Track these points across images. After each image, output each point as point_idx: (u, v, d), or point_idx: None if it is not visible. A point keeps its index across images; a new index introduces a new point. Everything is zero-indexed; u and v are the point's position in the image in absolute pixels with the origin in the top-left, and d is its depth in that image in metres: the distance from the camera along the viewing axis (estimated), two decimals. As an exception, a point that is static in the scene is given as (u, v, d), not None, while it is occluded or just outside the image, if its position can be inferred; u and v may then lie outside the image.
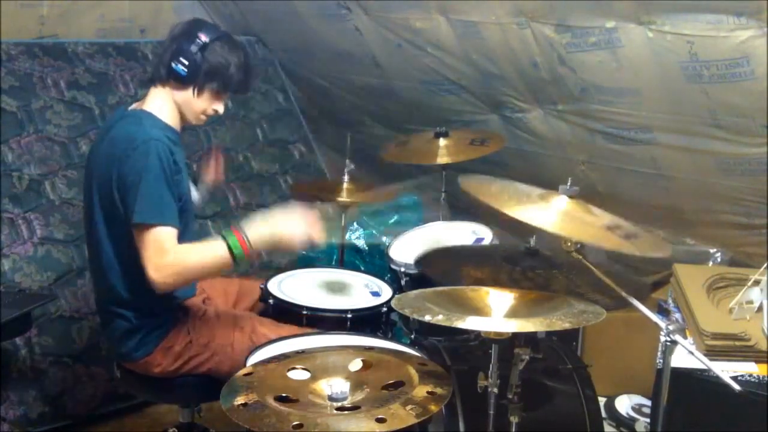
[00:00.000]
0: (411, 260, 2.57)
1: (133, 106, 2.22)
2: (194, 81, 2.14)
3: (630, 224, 1.91)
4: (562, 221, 1.83)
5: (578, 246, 1.85)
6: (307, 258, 3.34)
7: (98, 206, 2.14)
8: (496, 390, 1.86)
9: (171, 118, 2.19)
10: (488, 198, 1.87)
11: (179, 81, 2.14)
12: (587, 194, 1.95)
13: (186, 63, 2.11)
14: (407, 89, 3.55)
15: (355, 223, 3.72)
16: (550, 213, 1.85)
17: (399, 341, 2.15)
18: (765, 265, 2.23)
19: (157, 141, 2.06)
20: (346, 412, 1.53)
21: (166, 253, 2.02)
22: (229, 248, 2.03)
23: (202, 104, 2.18)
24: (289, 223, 2.09)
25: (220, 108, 2.22)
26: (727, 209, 2.92)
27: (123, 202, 2.06)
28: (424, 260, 2.28)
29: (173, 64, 2.12)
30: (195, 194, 2.46)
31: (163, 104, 2.18)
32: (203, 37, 2.12)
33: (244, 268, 2.14)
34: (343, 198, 2.97)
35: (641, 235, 1.88)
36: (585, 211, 1.89)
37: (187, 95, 2.16)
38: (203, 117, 2.22)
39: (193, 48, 2.11)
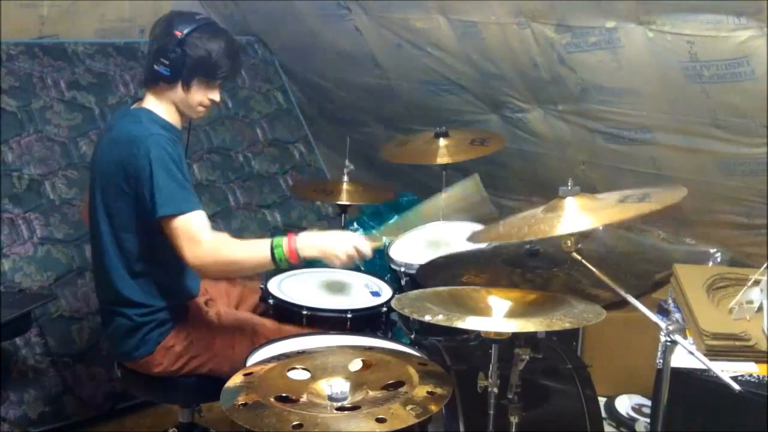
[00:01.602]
0: (411, 260, 2.57)
1: (134, 105, 2.23)
2: (179, 78, 2.13)
3: (634, 190, 1.92)
4: (581, 218, 1.82)
5: (578, 246, 1.85)
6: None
7: (101, 206, 2.15)
8: (496, 390, 1.86)
9: (170, 116, 2.19)
10: (504, 237, 1.89)
11: (166, 81, 2.14)
12: (586, 195, 1.94)
13: (167, 63, 2.10)
14: (407, 89, 3.55)
15: (355, 223, 3.72)
16: (566, 217, 1.83)
17: (399, 341, 2.15)
18: (765, 265, 2.22)
19: (157, 135, 2.07)
20: (346, 412, 1.53)
21: (200, 239, 2.02)
22: (272, 251, 2.05)
23: (195, 97, 2.18)
24: (338, 240, 2.12)
25: (215, 96, 2.22)
26: (727, 209, 2.92)
27: (136, 201, 2.06)
28: (424, 272, 2.29)
29: (156, 67, 2.12)
30: None
31: (159, 103, 2.18)
32: (179, 33, 2.09)
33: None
34: (343, 199, 2.98)
35: (651, 192, 1.87)
36: (592, 200, 1.89)
37: (177, 92, 2.16)
38: (201, 109, 2.22)
39: (171, 45, 2.09)
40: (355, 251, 2.12)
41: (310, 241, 2.09)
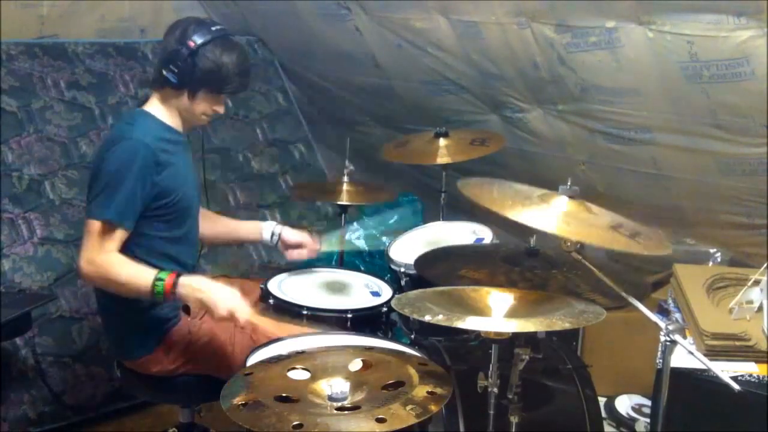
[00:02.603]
0: (411, 260, 2.57)
1: (140, 107, 2.23)
2: (186, 87, 2.13)
3: (631, 221, 1.91)
4: (565, 223, 1.81)
5: (578, 246, 1.85)
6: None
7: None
8: (496, 390, 1.86)
9: (172, 120, 2.20)
10: (489, 202, 1.86)
11: (172, 87, 2.14)
12: (587, 194, 1.94)
13: (176, 70, 2.10)
14: (407, 89, 3.55)
15: (355, 223, 3.72)
16: (552, 215, 1.83)
17: (399, 341, 2.15)
18: (765, 265, 2.23)
19: (138, 142, 2.07)
20: (346, 412, 1.53)
21: (101, 251, 2.04)
22: (153, 284, 2.03)
23: (199, 107, 2.18)
24: (220, 296, 2.07)
25: (220, 109, 2.22)
26: (727, 209, 2.92)
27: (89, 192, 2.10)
28: (422, 262, 2.28)
29: (164, 72, 2.12)
30: None
31: (163, 106, 2.19)
32: (193, 42, 2.09)
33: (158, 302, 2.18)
34: (343, 199, 2.98)
35: (644, 232, 1.87)
36: (586, 211, 1.88)
37: (182, 100, 2.16)
38: (204, 118, 2.22)
39: (184, 53, 2.09)
40: (230, 314, 2.05)
41: (193, 284, 2.06)
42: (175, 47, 2.10)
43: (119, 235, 2.07)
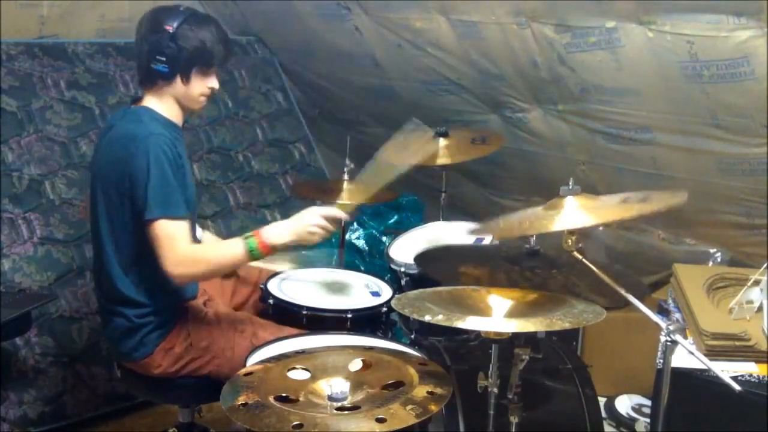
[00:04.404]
0: (411, 260, 2.57)
1: (134, 104, 2.23)
2: (178, 72, 2.14)
3: (635, 192, 1.93)
4: (582, 216, 1.83)
5: (579, 245, 1.85)
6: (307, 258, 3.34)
7: (102, 205, 2.15)
8: (496, 390, 1.86)
9: (171, 113, 2.20)
10: (506, 235, 1.89)
11: (164, 78, 2.14)
12: (587, 194, 1.95)
13: (163, 59, 2.11)
14: (407, 89, 3.55)
15: (355, 223, 3.72)
16: (567, 216, 1.84)
17: (399, 341, 2.15)
18: (765, 265, 2.23)
19: (158, 135, 2.08)
20: (346, 412, 1.53)
21: (180, 246, 2.05)
22: (249, 254, 2.08)
23: (195, 88, 2.18)
24: (305, 217, 2.14)
25: (214, 84, 2.22)
26: (727, 209, 2.92)
27: (132, 200, 2.07)
28: (423, 258, 2.29)
29: (152, 65, 2.12)
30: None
31: (160, 101, 2.19)
32: (169, 26, 2.10)
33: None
34: (343, 198, 2.97)
35: (652, 194, 1.89)
36: (593, 200, 1.89)
37: (177, 87, 2.16)
38: (203, 99, 2.23)
39: (164, 41, 2.10)
40: (324, 220, 2.14)
41: (281, 233, 2.12)
42: (154, 38, 2.12)
43: (186, 225, 2.08)
